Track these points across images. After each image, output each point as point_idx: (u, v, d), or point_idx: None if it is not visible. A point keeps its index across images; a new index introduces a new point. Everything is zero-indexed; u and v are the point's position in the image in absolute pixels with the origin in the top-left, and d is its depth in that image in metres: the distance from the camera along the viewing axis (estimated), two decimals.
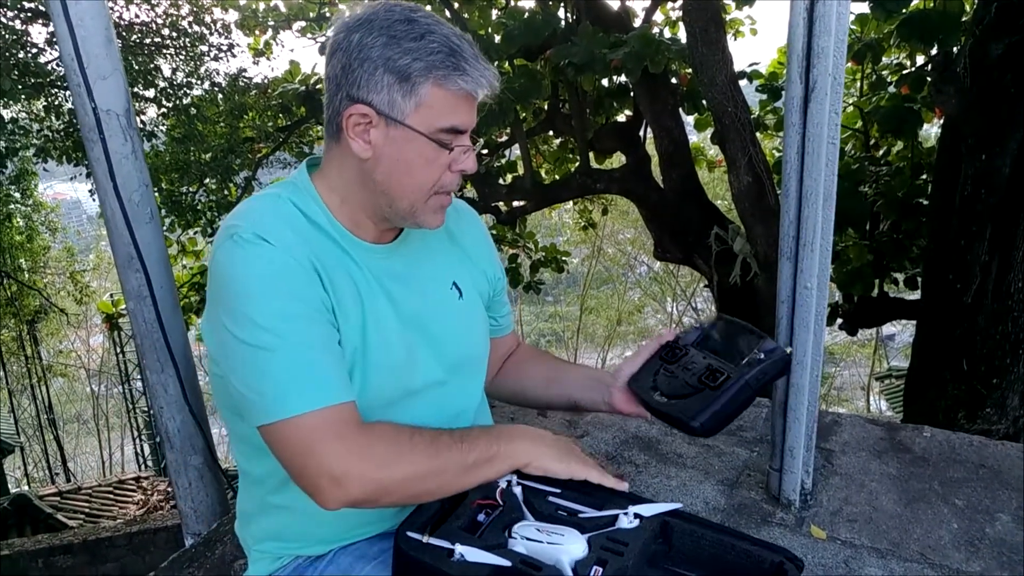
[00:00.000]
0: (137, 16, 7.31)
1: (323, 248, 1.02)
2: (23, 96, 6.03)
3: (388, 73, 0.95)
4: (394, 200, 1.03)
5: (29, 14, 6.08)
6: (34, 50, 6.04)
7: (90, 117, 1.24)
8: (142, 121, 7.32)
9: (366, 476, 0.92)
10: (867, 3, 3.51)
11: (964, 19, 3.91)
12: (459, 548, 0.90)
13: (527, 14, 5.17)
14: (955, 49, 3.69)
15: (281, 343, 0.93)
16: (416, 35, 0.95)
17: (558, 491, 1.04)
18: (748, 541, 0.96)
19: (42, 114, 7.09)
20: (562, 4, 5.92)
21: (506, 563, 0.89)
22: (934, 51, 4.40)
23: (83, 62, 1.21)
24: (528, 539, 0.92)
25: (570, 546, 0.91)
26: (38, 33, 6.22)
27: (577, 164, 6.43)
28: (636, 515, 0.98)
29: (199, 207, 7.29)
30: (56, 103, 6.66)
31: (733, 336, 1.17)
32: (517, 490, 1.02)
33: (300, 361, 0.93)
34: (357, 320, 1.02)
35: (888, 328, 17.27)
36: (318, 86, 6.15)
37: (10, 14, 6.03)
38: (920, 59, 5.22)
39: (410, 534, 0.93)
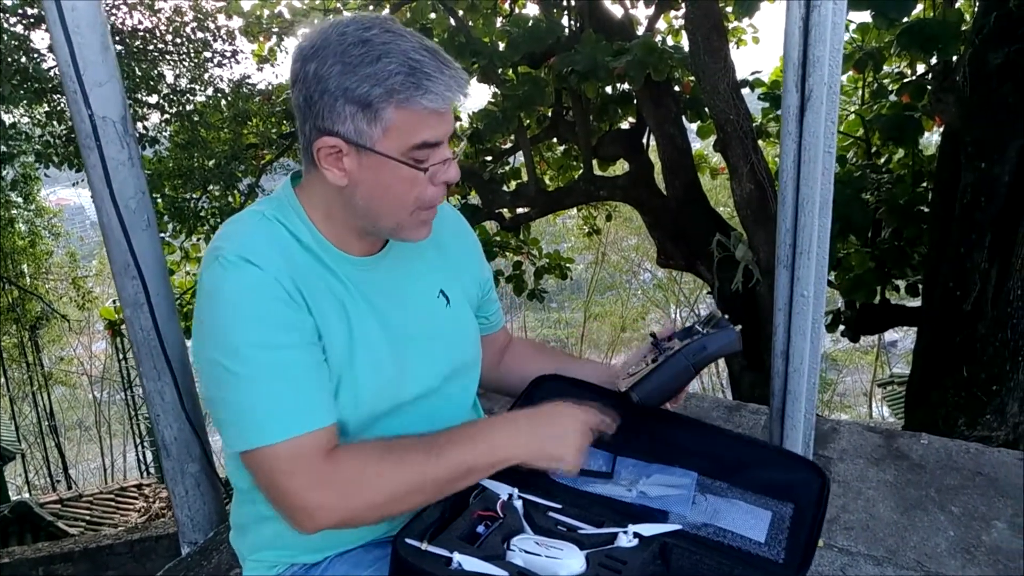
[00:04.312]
0: (140, 22, 7.31)
1: (307, 266, 1.02)
2: (24, 101, 6.05)
3: (349, 103, 0.93)
4: (377, 220, 1.03)
5: (31, 20, 6.10)
6: (36, 56, 6.05)
7: (86, 124, 1.25)
8: (145, 127, 7.32)
9: (330, 506, 0.94)
10: (869, 12, 3.51)
11: (963, 29, 3.91)
12: (457, 557, 0.91)
13: (531, 22, 5.17)
14: (954, 58, 3.69)
15: (260, 372, 0.93)
16: (372, 58, 0.91)
17: (559, 506, 1.04)
18: (747, 565, 0.96)
19: (43, 119, 7.09)
20: (566, 12, 5.94)
21: (503, 574, 0.89)
22: (934, 60, 4.41)
23: (79, 69, 1.21)
24: (526, 552, 0.93)
25: (568, 561, 0.91)
26: (40, 39, 6.19)
27: (581, 171, 6.43)
28: (636, 534, 0.98)
29: (202, 213, 7.28)
30: (59, 108, 6.65)
31: (708, 322, 1.19)
32: (518, 504, 1.03)
33: (276, 390, 0.94)
34: (344, 339, 1.02)
35: (890, 335, 17.27)
36: None
37: (12, 19, 6.04)
38: (920, 68, 5.22)
39: (409, 540, 0.94)
